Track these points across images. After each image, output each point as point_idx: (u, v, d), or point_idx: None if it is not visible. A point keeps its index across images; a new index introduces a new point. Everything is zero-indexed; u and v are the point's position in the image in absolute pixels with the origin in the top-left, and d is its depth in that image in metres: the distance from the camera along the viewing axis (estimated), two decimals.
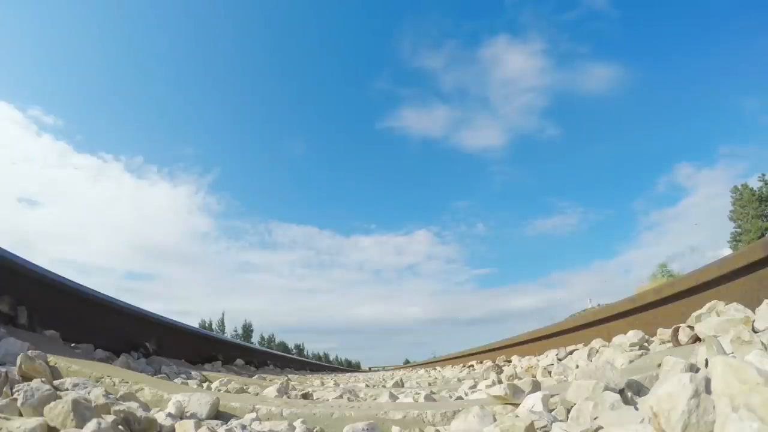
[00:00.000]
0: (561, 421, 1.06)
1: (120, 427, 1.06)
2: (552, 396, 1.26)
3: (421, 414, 1.40)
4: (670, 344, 2.07)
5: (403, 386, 3.46)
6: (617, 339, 2.70)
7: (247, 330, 54.93)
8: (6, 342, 1.67)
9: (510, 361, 4.68)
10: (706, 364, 1.29)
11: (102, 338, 3.23)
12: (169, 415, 1.29)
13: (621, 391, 1.19)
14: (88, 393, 1.35)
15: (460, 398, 2.08)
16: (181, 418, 1.32)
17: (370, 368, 38.00)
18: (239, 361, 6.31)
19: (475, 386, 2.45)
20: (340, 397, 2.34)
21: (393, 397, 2.07)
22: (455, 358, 8.93)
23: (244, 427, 1.27)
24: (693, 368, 1.22)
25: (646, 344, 2.41)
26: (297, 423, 1.36)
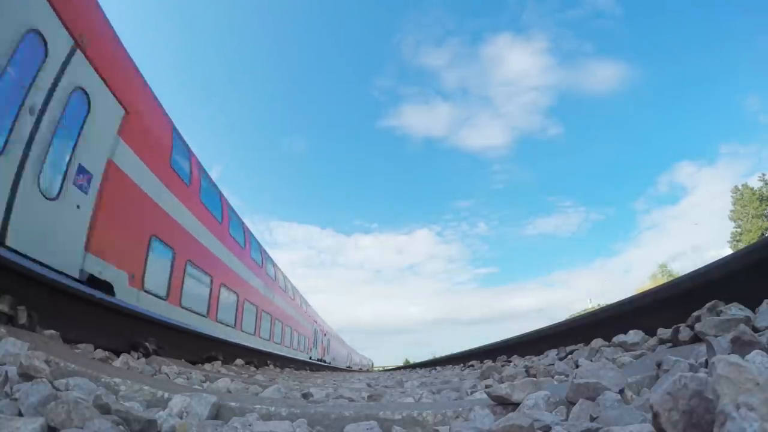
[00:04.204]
0: (561, 421, 1.06)
1: (120, 427, 1.06)
2: (552, 396, 1.26)
3: (421, 414, 1.39)
4: (670, 344, 2.07)
5: (403, 386, 3.46)
6: (617, 338, 2.70)
7: None
8: (6, 342, 1.66)
9: (510, 361, 4.68)
10: (706, 364, 1.29)
11: (102, 338, 3.23)
12: (170, 415, 1.29)
13: (621, 391, 1.19)
14: (88, 393, 1.35)
15: (460, 398, 2.08)
16: (182, 419, 1.32)
17: (369, 368, 38.07)
18: (239, 361, 6.31)
19: (475, 386, 2.45)
20: (340, 396, 2.34)
21: (393, 396, 2.07)
22: (455, 358, 8.93)
23: (244, 426, 1.27)
24: (693, 368, 1.22)
25: (646, 344, 2.41)
26: (297, 423, 1.35)
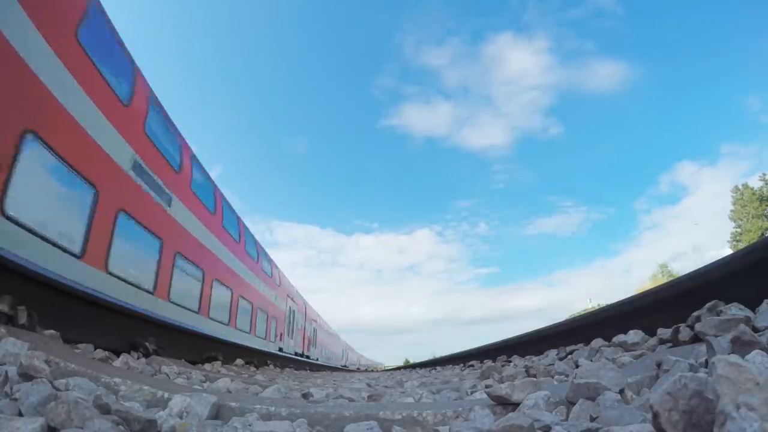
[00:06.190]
0: (561, 421, 1.06)
1: (120, 427, 1.06)
2: (552, 396, 1.26)
3: (421, 414, 1.39)
4: (670, 344, 2.07)
5: (403, 386, 3.46)
6: (617, 338, 2.70)
7: None
8: (6, 342, 1.67)
9: (510, 361, 4.68)
10: (706, 364, 1.29)
11: (102, 338, 3.23)
12: (170, 415, 1.29)
13: (621, 391, 1.19)
14: (88, 393, 1.35)
15: (460, 398, 2.08)
16: (182, 419, 1.32)
17: (367, 368, 38.10)
18: (239, 361, 6.31)
19: (475, 386, 2.45)
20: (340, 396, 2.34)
21: (393, 396, 2.07)
22: (455, 358, 8.92)
23: (244, 426, 1.27)
24: (693, 368, 1.22)
25: (646, 344, 2.41)
26: (297, 423, 1.35)
